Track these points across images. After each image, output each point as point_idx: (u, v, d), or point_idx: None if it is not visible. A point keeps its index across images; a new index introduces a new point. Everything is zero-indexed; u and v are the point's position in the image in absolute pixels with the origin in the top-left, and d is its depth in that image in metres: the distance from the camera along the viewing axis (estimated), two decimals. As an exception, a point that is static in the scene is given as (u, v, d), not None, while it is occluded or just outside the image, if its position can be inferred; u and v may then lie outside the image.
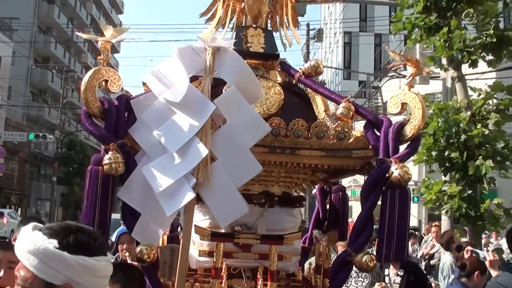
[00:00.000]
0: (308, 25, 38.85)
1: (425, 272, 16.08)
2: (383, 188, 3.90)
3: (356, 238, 3.98)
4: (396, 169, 3.79)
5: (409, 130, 3.96)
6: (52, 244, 2.48)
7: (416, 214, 33.52)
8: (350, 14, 49.11)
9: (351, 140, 4.06)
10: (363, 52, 59.51)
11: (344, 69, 60.87)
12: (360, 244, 3.97)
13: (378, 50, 58.53)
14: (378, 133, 4.05)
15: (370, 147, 4.05)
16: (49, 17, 59.66)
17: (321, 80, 5.10)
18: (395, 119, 4.10)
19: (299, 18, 5.09)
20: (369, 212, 3.97)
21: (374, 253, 4.02)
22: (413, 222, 29.21)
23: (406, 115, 4.18)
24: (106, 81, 3.91)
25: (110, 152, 3.72)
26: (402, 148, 4.02)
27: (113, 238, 7.83)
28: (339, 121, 4.13)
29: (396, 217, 3.84)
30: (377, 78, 47.38)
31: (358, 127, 4.31)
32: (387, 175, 3.85)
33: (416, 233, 21.92)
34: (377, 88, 45.24)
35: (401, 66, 4.27)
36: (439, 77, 15.44)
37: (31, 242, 2.50)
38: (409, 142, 4.00)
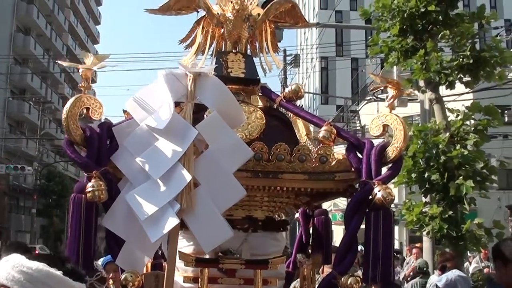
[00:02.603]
0: (284, 51, 38.99)
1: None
2: (367, 210, 3.91)
3: (340, 260, 3.98)
4: (379, 191, 3.80)
5: (391, 152, 3.98)
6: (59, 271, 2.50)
7: (397, 236, 33.53)
8: (326, 39, 49.38)
9: (333, 163, 4.08)
10: (340, 77, 59.85)
11: (322, 94, 61.13)
12: (345, 267, 3.97)
13: (355, 74, 58.88)
14: (360, 156, 4.06)
15: (353, 169, 4.07)
16: (24, 48, 59.41)
17: (299, 105, 5.12)
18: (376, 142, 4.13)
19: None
20: (353, 234, 3.98)
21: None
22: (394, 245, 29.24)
23: (385, 138, 4.20)
24: (88, 108, 3.90)
25: (92, 180, 3.70)
26: (385, 170, 4.04)
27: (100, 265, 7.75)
28: (321, 145, 4.14)
29: (380, 238, 3.85)
30: (355, 102, 47.62)
31: (338, 151, 4.33)
32: (370, 197, 3.86)
33: (398, 255, 21.95)
34: (355, 112, 45.43)
35: (380, 88, 4.28)
36: (417, 99, 15.54)
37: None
38: (392, 163, 4.02)
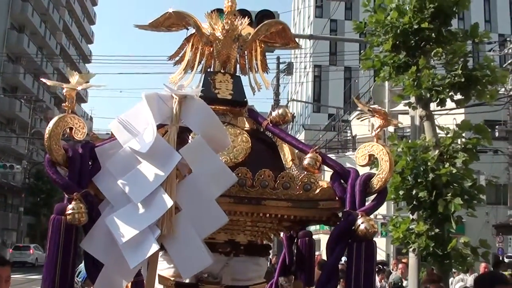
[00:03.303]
0: (278, 58, 39.09)
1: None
2: (349, 241, 3.88)
3: (321, 290, 3.95)
4: (362, 223, 3.77)
5: (376, 182, 3.94)
6: None
7: (384, 248, 33.61)
8: (320, 48, 49.52)
9: (317, 191, 4.04)
10: (333, 86, 60.02)
11: (314, 102, 61.25)
12: (325, 297, 3.93)
13: (348, 83, 59.04)
14: (345, 184, 4.03)
15: (337, 198, 4.03)
16: (18, 46, 59.40)
17: (292, 113, 5.09)
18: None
19: (269, 54, 5.10)
20: (334, 264, 3.94)
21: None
22: (381, 256, 29.31)
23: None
24: (71, 128, 3.86)
25: (73, 202, 3.65)
26: (370, 200, 4.01)
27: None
28: (305, 172, 4.11)
29: (362, 269, 3.82)
30: (347, 111, 47.70)
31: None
32: (353, 227, 3.82)
33: (385, 267, 21.97)
34: (346, 121, 45.52)
35: (368, 117, 4.25)
36: (408, 112, 15.54)
37: None
38: (376, 194, 3.99)
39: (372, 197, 4.03)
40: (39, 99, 61.72)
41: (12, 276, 5.80)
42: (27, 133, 58.02)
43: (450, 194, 11.40)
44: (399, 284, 13.07)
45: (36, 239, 57.64)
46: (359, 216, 3.80)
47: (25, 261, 47.81)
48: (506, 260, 19.62)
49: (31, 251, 50.17)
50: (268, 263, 14.43)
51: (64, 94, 3.89)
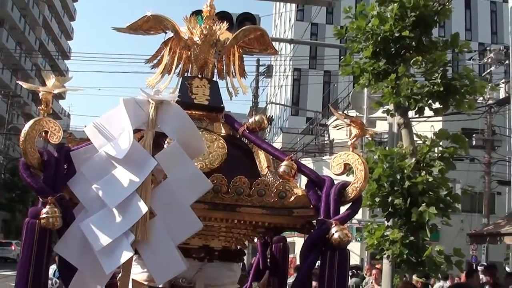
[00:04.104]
0: (258, 61, 39.06)
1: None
2: (323, 249, 3.89)
3: (294, 298, 3.96)
4: (336, 232, 3.78)
5: (350, 191, 3.96)
6: None
7: (358, 252, 33.67)
8: (300, 51, 49.56)
9: (292, 198, 4.05)
10: (312, 89, 60.10)
11: (292, 105, 61.31)
12: (298, 303, 3.95)
13: (327, 87, 59.12)
14: (320, 193, 4.04)
15: (311, 206, 4.04)
16: (-3, 41, 59.03)
17: (269, 116, 5.09)
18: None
19: (248, 56, 5.11)
20: (308, 272, 3.95)
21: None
22: (355, 260, 29.37)
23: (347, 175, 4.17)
24: (46, 132, 3.84)
25: (47, 206, 3.64)
26: (343, 208, 4.03)
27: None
28: (280, 180, 4.12)
29: (335, 277, 3.83)
30: (325, 116, 47.78)
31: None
32: (327, 236, 3.83)
33: (359, 272, 22.04)
34: (324, 125, 45.55)
35: (343, 126, 4.26)
36: (386, 119, 15.60)
37: None
38: (351, 203, 4.00)
39: (347, 206, 4.05)
40: (16, 94, 61.32)
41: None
42: (4, 129, 57.65)
43: (425, 202, 11.46)
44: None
45: (11, 235, 57.27)
46: (333, 225, 3.81)
47: (7, 256, 48.32)
48: (479, 268, 19.73)
49: (12, 247, 50.03)
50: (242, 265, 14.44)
51: (40, 97, 3.87)
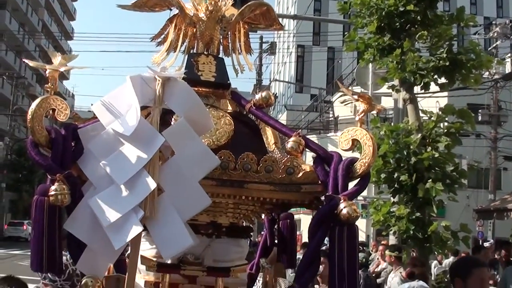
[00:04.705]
0: (261, 38, 39.03)
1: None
2: (331, 225, 3.89)
3: (302, 274, 3.96)
4: (344, 207, 3.78)
5: (359, 167, 3.95)
6: None
7: (364, 229, 33.75)
8: (303, 27, 49.36)
9: (300, 174, 4.04)
10: (316, 66, 59.89)
11: (297, 83, 61.11)
12: (306, 280, 3.95)
13: (331, 64, 58.94)
14: (328, 168, 4.03)
15: (319, 182, 4.04)
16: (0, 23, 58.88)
17: (274, 93, 5.08)
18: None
19: (252, 33, 5.09)
20: (316, 248, 3.96)
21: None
22: (361, 237, 29.45)
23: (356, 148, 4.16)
24: (54, 110, 3.84)
25: (56, 183, 3.64)
26: (352, 184, 4.02)
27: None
28: (288, 156, 4.12)
29: (345, 253, 3.83)
30: (330, 92, 47.68)
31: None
32: (335, 212, 3.83)
33: (365, 248, 22.11)
34: (329, 102, 45.47)
35: (351, 101, 4.25)
36: (391, 95, 15.55)
37: None
38: (359, 179, 3.99)
39: (355, 181, 4.04)
40: (21, 76, 61.35)
41: (8, 251, 5.93)
42: (9, 110, 57.72)
43: (431, 178, 11.44)
44: (364, 260, 13.38)
45: (19, 215, 57.66)
46: (342, 201, 3.81)
47: (18, 236, 49.44)
48: (486, 244, 19.76)
49: (24, 226, 51.07)
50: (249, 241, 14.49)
51: (47, 75, 3.86)
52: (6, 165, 56.19)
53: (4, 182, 56.13)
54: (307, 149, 4.23)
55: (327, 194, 3.94)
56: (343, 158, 4.03)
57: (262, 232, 5.57)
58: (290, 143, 4.12)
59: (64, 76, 78.42)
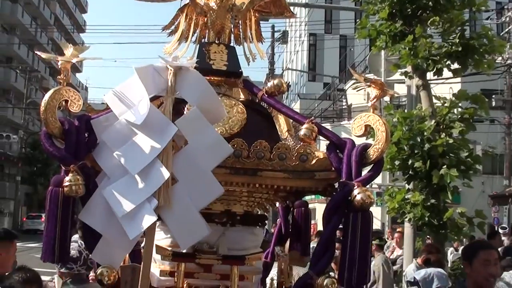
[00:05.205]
0: (273, 27, 39.04)
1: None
2: (345, 211, 3.88)
3: (317, 261, 3.96)
4: (358, 193, 3.77)
5: (372, 153, 3.94)
6: None
7: (379, 217, 33.69)
8: (315, 15, 49.18)
9: (313, 161, 4.03)
10: (328, 54, 59.65)
11: (309, 71, 60.96)
12: (321, 267, 3.95)
13: (343, 52, 58.76)
14: (341, 155, 4.03)
15: (333, 169, 4.03)
16: (12, 16, 59.02)
17: (286, 82, 5.07)
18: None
19: (264, 22, 5.07)
20: (331, 235, 3.96)
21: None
22: (376, 225, 29.43)
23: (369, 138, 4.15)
24: (66, 101, 3.85)
25: (70, 174, 3.66)
26: (366, 170, 4.01)
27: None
28: (301, 143, 4.11)
29: (358, 240, 3.83)
30: (342, 80, 47.56)
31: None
32: (349, 198, 3.83)
33: (381, 236, 22.07)
34: (342, 90, 45.35)
35: (364, 87, 4.23)
36: (404, 82, 15.48)
37: None
38: (372, 165, 3.98)
39: (369, 167, 4.04)
40: (34, 69, 61.57)
41: (25, 243, 6.03)
42: (22, 103, 57.98)
43: (446, 164, 11.39)
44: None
45: (34, 208, 57.99)
46: (355, 187, 3.81)
47: (37, 228, 49.98)
48: (500, 230, 19.69)
49: (42, 219, 51.73)
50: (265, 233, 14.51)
51: (59, 66, 3.87)
52: (21, 159, 56.50)
53: (19, 175, 56.44)
54: (320, 136, 4.22)
55: (341, 180, 3.94)
56: (356, 144, 4.03)
57: (278, 221, 5.56)
58: (303, 130, 4.11)
59: (77, 69, 78.61)
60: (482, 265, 5.32)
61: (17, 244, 6.41)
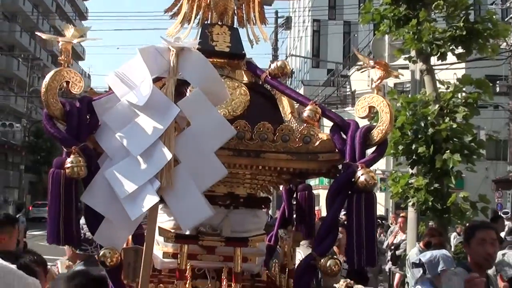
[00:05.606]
0: (276, 12, 38.72)
1: (390, 262, 16.30)
2: (349, 193, 3.86)
3: (320, 242, 3.95)
4: (362, 174, 3.75)
5: (376, 134, 3.91)
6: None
7: (383, 202, 33.67)
8: (319, 1, 49.03)
9: (317, 143, 4.01)
10: (332, 40, 59.44)
11: (313, 57, 60.77)
12: (325, 248, 3.94)
13: (347, 38, 58.54)
14: (345, 137, 4.00)
15: (337, 150, 4.01)
16: (13, 4, 58.91)
17: (290, 68, 5.04)
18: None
19: (267, 8, 5.04)
20: (334, 216, 3.94)
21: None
22: (380, 211, 29.44)
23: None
24: (68, 82, 3.82)
25: (72, 156, 3.65)
26: (369, 152, 3.99)
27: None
28: (305, 124, 4.08)
29: (363, 221, 3.81)
30: (346, 66, 47.40)
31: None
32: (353, 179, 3.80)
33: (383, 221, 22.07)
34: (346, 77, 45.23)
35: (368, 68, 4.18)
36: (407, 67, 15.40)
37: None
38: (376, 146, 3.96)
39: (372, 149, 4.01)
40: (36, 57, 61.45)
41: (30, 231, 6.09)
42: (25, 92, 57.92)
43: (449, 149, 11.34)
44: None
45: (38, 196, 58.04)
46: (359, 168, 3.78)
47: (42, 216, 50.07)
48: (503, 215, 19.66)
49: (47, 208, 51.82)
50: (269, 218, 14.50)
51: (60, 47, 3.84)
52: (25, 147, 56.51)
53: (23, 164, 56.46)
54: (323, 122, 4.20)
55: (345, 162, 3.91)
56: (360, 126, 4.00)
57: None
58: (306, 112, 4.09)
59: (79, 56, 78.52)
60: (479, 245, 5.44)
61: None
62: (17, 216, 20.54)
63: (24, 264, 3.50)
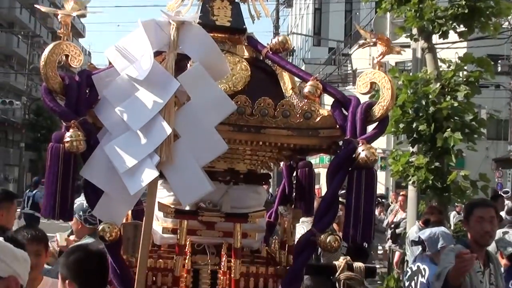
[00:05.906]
0: (278, -11, 38.56)
1: (390, 240, 16.36)
2: (350, 169, 3.84)
3: (320, 218, 3.93)
4: (363, 150, 3.72)
5: (377, 111, 3.88)
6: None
7: (383, 181, 33.74)
8: (320, -22, 48.85)
9: (318, 119, 3.99)
10: (334, 19, 59.28)
11: (314, 36, 60.62)
12: (324, 224, 3.92)
13: (348, 16, 58.36)
14: (346, 113, 3.98)
15: (337, 126, 3.98)
16: (13, -19, 58.71)
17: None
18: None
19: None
20: (334, 192, 3.92)
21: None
22: (380, 190, 29.48)
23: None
24: (67, 56, 3.79)
25: (71, 130, 3.62)
26: (370, 128, 3.96)
27: None
28: (306, 100, 4.06)
29: (362, 198, 3.79)
30: (347, 45, 47.26)
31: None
32: (353, 156, 3.78)
33: (383, 200, 22.12)
34: (347, 55, 45.10)
35: (370, 44, 4.15)
36: (409, 46, 15.35)
37: None
38: (377, 122, 3.93)
39: (373, 125, 3.99)
40: (36, 34, 61.31)
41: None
42: (25, 69, 57.83)
43: (450, 128, 11.32)
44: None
45: (38, 174, 58.05)
46: (360, 144, 3.76)
47: None
48: (503, 194, 19.69)
49: None
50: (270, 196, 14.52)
51: (59, 20, 3.81)
52: (25, 125, 56.49)
53: (23, 141, 56.46)
54: (324, 95, 4.17)
55: (345, 138, 3.89)
56: (361, 102, 3.97)
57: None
58: (307, 87, 4.05)
59: (79, 34, 78.30)
60: (477, 222, 5.54)
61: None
62: (34, 192, 20.63)
63: (11, 237, 3.49)
